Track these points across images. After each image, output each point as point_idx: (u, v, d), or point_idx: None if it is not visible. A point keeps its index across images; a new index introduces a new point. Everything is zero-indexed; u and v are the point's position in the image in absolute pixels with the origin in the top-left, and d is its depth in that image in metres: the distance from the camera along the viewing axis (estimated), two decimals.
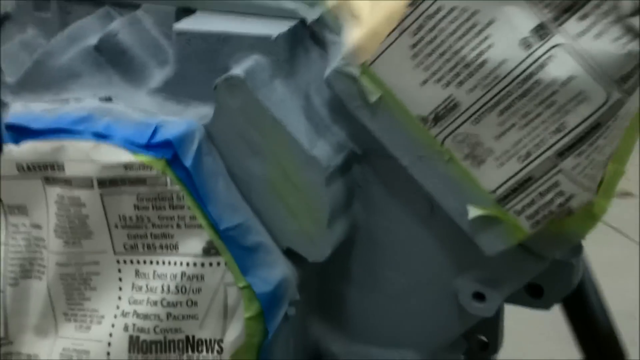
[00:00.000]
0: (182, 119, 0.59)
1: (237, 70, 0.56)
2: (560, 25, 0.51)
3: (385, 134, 0.56)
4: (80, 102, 0.62)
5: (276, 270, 0.59)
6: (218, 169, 0.58)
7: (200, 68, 0.59)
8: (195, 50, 0.59)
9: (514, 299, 0.65)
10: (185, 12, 0.63)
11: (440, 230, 0.59)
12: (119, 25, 0.63)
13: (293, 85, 0.59)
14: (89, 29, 0.64)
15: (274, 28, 0.58)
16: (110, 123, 0.59)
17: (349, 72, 0.55)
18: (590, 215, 0.57)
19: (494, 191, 0.54)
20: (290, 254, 0.60)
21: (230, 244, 0.58)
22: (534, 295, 0.65)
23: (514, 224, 0.54)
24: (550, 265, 0.63)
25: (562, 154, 0.52)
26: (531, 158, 0.53)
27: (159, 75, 0.62)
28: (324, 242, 0.58)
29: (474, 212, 0.55)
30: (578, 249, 0.65)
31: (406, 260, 0.61)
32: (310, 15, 0.59)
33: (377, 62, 0.54)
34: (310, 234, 0.58)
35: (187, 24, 0.60)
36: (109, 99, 0.61)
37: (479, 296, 0.60)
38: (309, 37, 0.59)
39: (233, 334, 0.59)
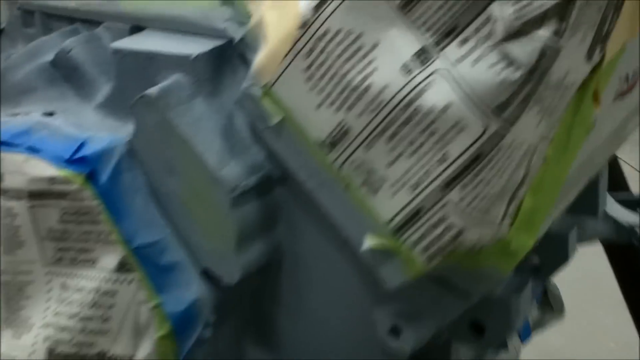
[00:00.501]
0: (108, 135, 0.60)
1: (152, 88, 0.57)
2: (441, 50, 0.48)
3: (289, 158, 0.55)
4: (27, 115, 0.64)
5: (190, 291, 0.59)
6: (138, 186, 0.59)
7: (134, 85, 0.60)
8: (128, 67, 0.60)
9: (456, 336, 0.62)
10: (137, 29, 0.64)
11: (356, 258, 0.57)
12: (74, 42, 0.65)
13: (216, 104, 0.58)
14: (49, 46, 0.66)
15: (199, 47, 0.58)
16: (44, 137, 0.61)
17: (253, 94, 0.54)
18: (507, 252, 0.53)
19: (390, 221, 0.52)
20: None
21: (145, 261, 0.59)
22: (476, 334, 0.62)
23: (409, 256, 0.52)
24: (491, 303, 0.59)
25: (447, 185, 0.50)
26: (420, 188, 0.50)
27: (104, 91, 0.63)
28: (234, 264, 0.57)
29: (368, 242, 0.53)
30: (521, 286, 0.61)
31: (327, 287, 0.60)
32: (238, 34, 0.58)
33: (277, 84, 0.54)
34: (221, 254, 0.58)
35: (123, 42, 0.61)
36: (50, 114, 0.63)
37: (395, 331, 0.58)
38: (237, 56, 0.59)
39: (144, 352, 0.59)
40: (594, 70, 0.52)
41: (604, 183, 0.76)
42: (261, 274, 0.60)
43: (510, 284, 0.62)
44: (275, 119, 0.54)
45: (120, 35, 0.65)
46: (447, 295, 0.56)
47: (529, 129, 0.49)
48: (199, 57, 0.58)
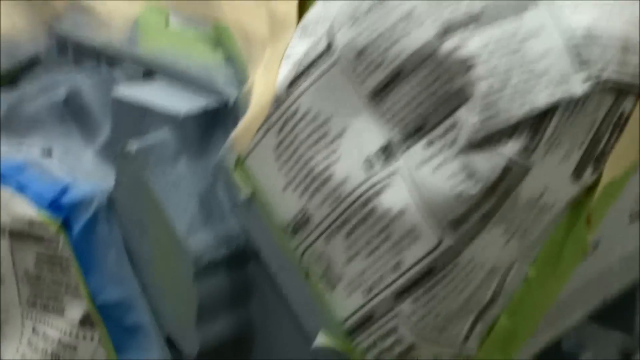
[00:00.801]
0: (93, 183, 0.58)
1: (133, 143, 0.55)
2: (407, 148, 0.44)
3: (256, 236, 0.52)
4: (29, 149, 0.63)
5: (150, 356, 0.57)
6: (112, 240, 0.57)
7: (128, 135, 0.58)
8: (123, 116, 0.59)
9: None
10: (151, 74, 0.63)
11: None
12: (87, 82, 0.64)
13: (202, 167, 0.56)
14: (65, 82, 0.65)
15: (193, 105, 0.56)
16: (34, 176, 0.60)
17: (226, 165, 0.52)
18: None
19: (344, 322, 0.48)
20: None
21: (108, 320, 0.57)
22: None
23: None
24: None
25: (400, 295, 0.45)
26: (373, 293, 0.46)
27: (104, 136, 0.62)
28: (193, 336, 0.54)
29: (321, 340, 0.49)
30: None
31: None
32: (234, 96, 0.56)
33: (249, 157, 0.51)
34: (182, 324, 0.55)
35: (124, 90, 0.59)
36: (49, 152, 0.62)
37: None
38: (232, 118, 0.56)
39: None
40: (589, 190, 0.47)
41: None
42: (235, 347, 0.57)
43: None
44: (245, 194, 0.51)
45: (134, 79, 0.63)
46: None
47: (493, 248, 0.44)
48: (188, 116, 0.55)
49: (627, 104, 0.45)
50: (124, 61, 0.65)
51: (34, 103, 0.66)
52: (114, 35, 0.66)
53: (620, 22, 0.43)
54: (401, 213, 0.43)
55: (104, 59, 0.68)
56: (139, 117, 0.57)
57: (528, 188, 0.43)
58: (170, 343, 0.58)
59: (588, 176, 0.46)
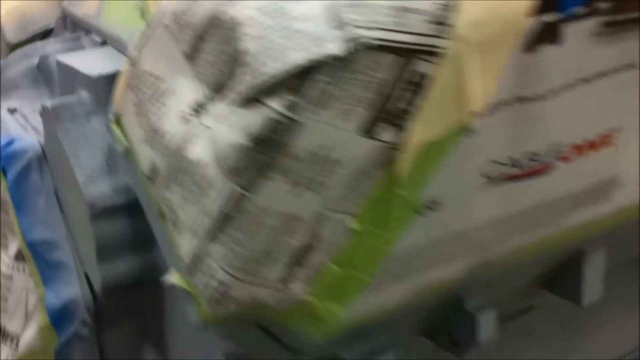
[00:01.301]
0: (32, 137, 0.67)
1: (49, 102, 0.63)
2: (211, 105, 0.49)
3: (133, 184, 0.58)
4: (1, 109, 0.73)
5: (69, 290, 0.65)
6: (42, 187, 0.65)
7: (67, 93, 0.66)
8: (64, 78, 0.67)
9: None
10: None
11: None
12: (56, 49, 0.73)
13: None
14: (41, 49, 0.75)
15: (109, 68, 0.63)
16: None
17: (109, 121, 0.59)
18: (315, 317, 0.53)
19: (186, 261, 0.54)
20: None
21: (36, 255, 0.65)
22: None
23: (200, 301, 0.54)
24: None
25: (210, 239, 0.51)
26: (196, 237, 0.52)
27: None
28: (97, 273, 0.62)
29: (171, 277, 0.55)
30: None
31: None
32: None
33: (123, 114, 0.57)
34: (90, 262, 0.63)
35: (65, 56, 0.68)
36: (13, 110, 0.71)
37: None
38: None
39: (28, 334, 0.65)
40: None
41: (593, 270, 0.69)
42: (145, 289, 0.64)
43: None
44: (122, 147, 0.57)
45: (96, 46, 0.71)
46: (274, 345, 0.57)
47: (283, 197, 0.48)
48: (100, 78, 0.62)
49: (421, 64, 0.47)
50: (92, 32, 0.73)
51: (14, 68, 0.75)
52: (90, 9, 0.74)
53: None
54: (203, 163, 0.48)
55: (83, 30, 0.76)
56: (71, 78, 0.65)
57: (305, 142, 0.47)
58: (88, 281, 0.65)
59: (390, 134, 0.48)
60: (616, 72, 0.55)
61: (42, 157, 0.65)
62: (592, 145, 0.57)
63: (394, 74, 0.46)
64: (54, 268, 0.65)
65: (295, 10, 0.44)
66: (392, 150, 0.48)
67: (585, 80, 0.54)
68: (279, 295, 0.51)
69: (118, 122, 0.57)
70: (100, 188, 0.61)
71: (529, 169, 0.55)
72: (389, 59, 0.45)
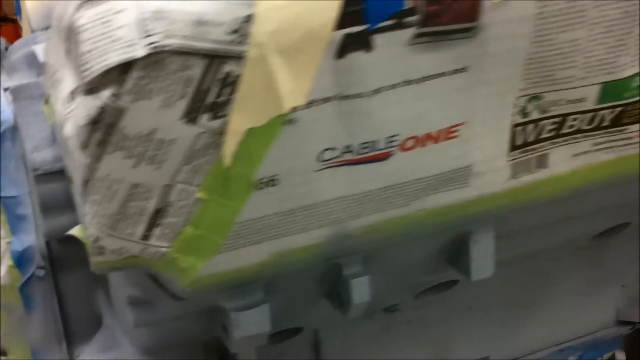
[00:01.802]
0: (8, 111, 0.82)
1: (12, 83, 0.78)
2: (76, 93, 0.62)
3: (62, 154, 0.73)
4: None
5: (29, 238, 0.80)
6: (13, 153, 0.81)
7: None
8: (37, 64, 0.82)
9: None
10: None
11: None
12: (44, 37, 0.88)
13: None
14: (39, 36, 0.90)
15: None
16: None
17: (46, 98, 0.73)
18: (178, 268, 0.66)
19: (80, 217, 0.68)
20: None
21: (7, 209, 0.81)
22: None
23: (89, 249, 0.67)
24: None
25: (82, 199, 0.64)
26: (78, 197, 0.65)
27: None
28: (42, 226, 0.77)
29: (74, 230, 0.69)
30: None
31: None
32: None
33: (50, 95, 0.71)
34: (39, 217, 0.78)
35: (37, 46, 0.82)
36: (5, 89, 0.86)
37: (132, 307, 0.73)
38: None
39: (3, 271, 0.81)
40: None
41: (480, 249, 0.78)
42: None
43: None
44: (50, 122, 0.71)
45: None
46: (163, 291, 0.70)
47: (123, 169, 0.60)
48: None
49: (228, 66, 0.58)
50: None
51: (17, 53, 0.90)
52: None
53: (197, 2, 0.57)
54: (70, 139, 0.61)
55: None
56: (38, 64, 0.80)
57: (132, 124, 0.59)
58: None
59: (212, 122, 0.59)
60: (448, 75, 0.64)
61: (14, 128, 0.80)
62: (435, 138, 0.66)
63: (206, 74, 0.57)
64: (20, 220, 0.79)
65: (117, 21, 0.56)
66: (218, 134, 0.60)
67: (409, 82, 0.63)
68: (146, 250, 0.63)
69: (47, 101, 0.70)
70: (43, 155, 0.75)
71: (366, 155, 0.64)
72: (198, 61, 0.57)
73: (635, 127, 0.74)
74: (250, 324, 0.71)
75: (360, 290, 0.73)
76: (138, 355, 0.78)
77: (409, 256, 0.78)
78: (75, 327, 0.82)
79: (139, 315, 0.71)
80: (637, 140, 0.75)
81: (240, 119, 0.59)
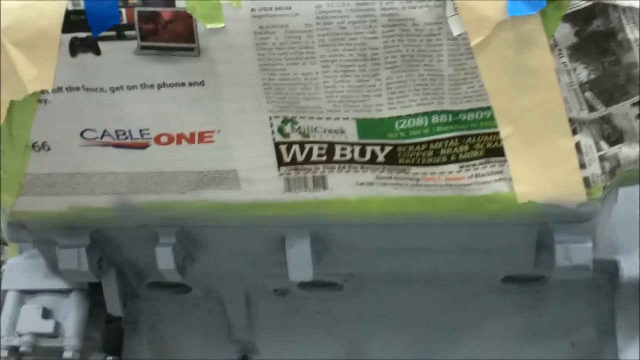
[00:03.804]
0: None
1: None
2: None
3: None
4: None
5: None
6: None
7: None
8: None
9: None
10: None
11: None
12: None
13: None
14: None
15: None
16: None
17: None
18: (3, 206, 0.86)
19: None
20: None
21: None
22: None
23: None
24: None
25: None
26: None
27: None
28: None
29: None
30: None
31: None
32: None
33: None
34: None
35: None
36: None
37: None
38: None
39: None
40: None
41: (295, 253, 0.85)
42: None
43: None
44: None
45: None
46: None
47: None
48: None
49: None
50: None
51: None
52: None
53: None
54: None
55: None
56: None
57: None
58: None
59: None
60: (187, 86, 0.73)
61: None
62: (189, 139, 0.76)
63: None
64: None
65: None
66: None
67: (148, 86, 0.73)
68: None
69: None
70: None
71: (125, 141, 0.76)
72: None
73: (420, 169, 0.74)
74: (69, 260, 0.86)
75: (164, 258, 0.84)
76: None
77: (237, 244, 0.86)
78: None
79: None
80: (432, 183, 0.75)
81: (6, 92, 0.74)
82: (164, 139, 0.75)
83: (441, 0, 0.65)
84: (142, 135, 0.75)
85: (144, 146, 0.76)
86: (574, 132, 0.70)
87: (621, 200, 0.84)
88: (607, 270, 0.88)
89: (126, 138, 0.75)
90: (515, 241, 0.82)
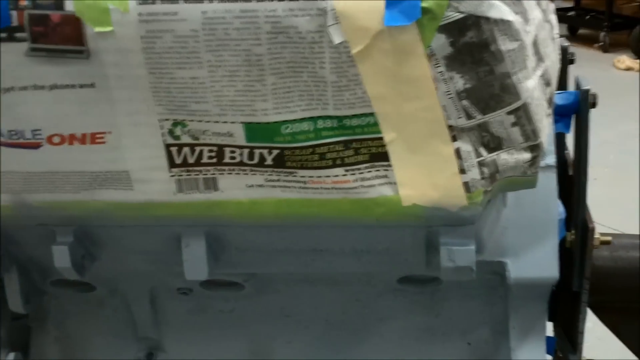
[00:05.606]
0: None
1: None
2: None
3: None
4: None
5: None
6: None
7: None
8: None
9: None
10: None
11: None
12: None
13: None
14: None
15: None
16: None
17: None
18: None
19: None
20: None
21: None
22: None
23: None
24: None
25: None
26: None
27: None
28: None
29: None
30: None
31: None
32: None
33: None
34: None
35: None
36: None
37: None
38: None
39: None
40: None
41: (190, 252, 0.87)
42: None
43: None
44: None
45: None
46: None
47: None
48: None
49: None
50: None
51: None
52: None
53: None
54: None
55: None
56: None
57: None
58: None
59: None
60: (77, 88, 0.74)
61: None
62: (81, 139, 0.77)
63: None
64: None
65: None
66: None
67: (39, 87, 0.74)
68: None
69: None
70: None
71: (17, 141, 0.77)
72: None
73: (307, 172, 0.76)
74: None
75: (61, 256, 0.85)
76: None
77: (136, 244, 0.87)
78: None
79: None
80: (319, 186, 0.77)
81: None
82: (56, 140, 0.76)
83: (322, 9, 0.67)
84: (34, 135, 0.76)
85: (37, 146, 0.77)
86: (454, 138, 0.73)
87: (513, 205, 0.87)
88: (499, 272, 0.91)
89: (19, 138, 0.76)
90: (404, 243, 0.84)
